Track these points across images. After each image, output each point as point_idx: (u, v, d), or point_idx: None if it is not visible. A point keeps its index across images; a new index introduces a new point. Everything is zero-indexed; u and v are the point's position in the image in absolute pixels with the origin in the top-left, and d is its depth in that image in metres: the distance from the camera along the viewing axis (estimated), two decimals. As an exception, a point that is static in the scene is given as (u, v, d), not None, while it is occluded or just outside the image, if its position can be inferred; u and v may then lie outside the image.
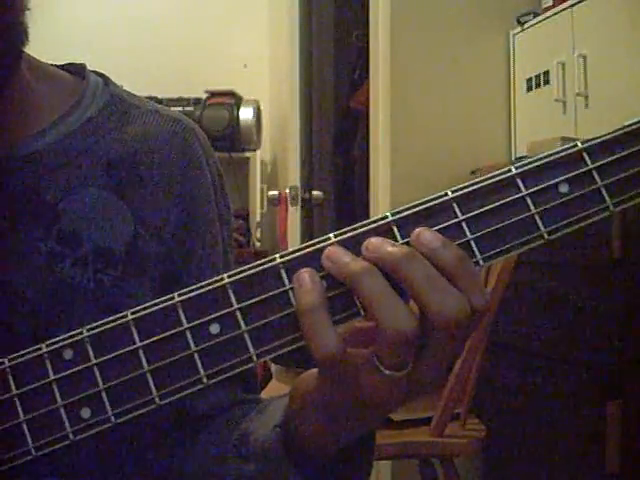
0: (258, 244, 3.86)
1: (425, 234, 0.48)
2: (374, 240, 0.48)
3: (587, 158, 0.49)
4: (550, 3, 2.70)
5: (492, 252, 0.49)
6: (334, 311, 0.49)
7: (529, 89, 2.79)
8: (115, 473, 0.69)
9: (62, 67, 0.76)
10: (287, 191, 3.02)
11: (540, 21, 2.74)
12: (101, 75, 0.76)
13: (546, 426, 2.15)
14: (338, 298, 0.49)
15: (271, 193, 3.21)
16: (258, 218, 3.87)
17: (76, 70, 0.76)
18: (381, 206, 2.78)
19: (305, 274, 0.48)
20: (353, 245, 0.49)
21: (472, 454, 2.16)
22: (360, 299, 0.48)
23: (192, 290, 0.50)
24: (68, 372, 0.50)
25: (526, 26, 2.80)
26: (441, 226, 0.49)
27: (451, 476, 1.91)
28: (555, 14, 2.64)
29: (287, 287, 0.49)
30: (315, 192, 3.08)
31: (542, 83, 2.71)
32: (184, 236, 0.72)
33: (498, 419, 2.27)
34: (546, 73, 2.67)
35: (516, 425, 2.29)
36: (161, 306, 0.50)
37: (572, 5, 2.55)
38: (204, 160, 0.76)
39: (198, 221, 0.74)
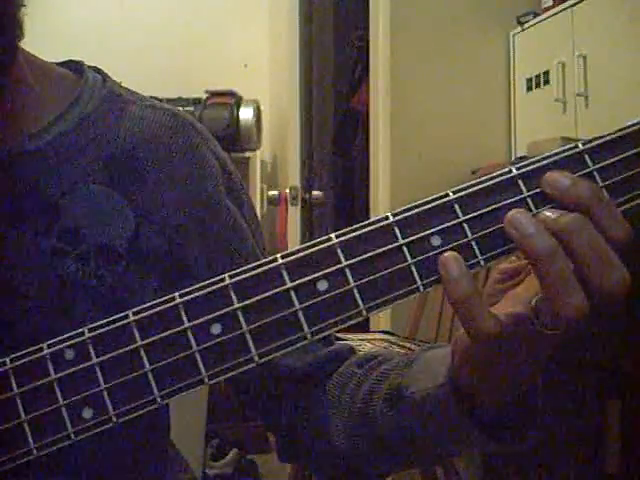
0: (258, 244, 3.85)
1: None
2: (548, 212, 0.48)
3: (588, 159, 0.49)
4: (550, 3, 2.70)
5: (494, 252, 0.49)
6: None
7: (529, 89, 2.79)
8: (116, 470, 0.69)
9: (61, 64, 0.76)
10: (287, 191, 3.02)
11: (540, 21, 2.74)
12: (99, 71, 0.77)
13: (546, 426, 2.15)
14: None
15: (271, 193, 3.20)
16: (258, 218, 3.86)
17: (75, 67, 0.76)
18: (381, 206, 2.78)
19: (452, 262, 0.48)
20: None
21: (472, 454, 2.16)
22: (541, 278, 0.48)
23: (193, 290, 0.50)
24: (70, 372, 0.50)
25: (526, 26, 2.81)
26: (442, 226, 0.49)
27: (451, 476, 1.91)
28: (555, 14, 2.65)
29: (289, 286, 0.49)
30: (315, 192, 3.07)
31: (542, 83, 2.71)
32: (192, 227, 0.72)
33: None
34: (546, 73, 2.67)
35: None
36: (163, 307, 0.50)
37: (572, 5, 2.55)
38: (205, 149, 0.76)
39: (207, 209, 0.73)
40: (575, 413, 2.05)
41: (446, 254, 0.49)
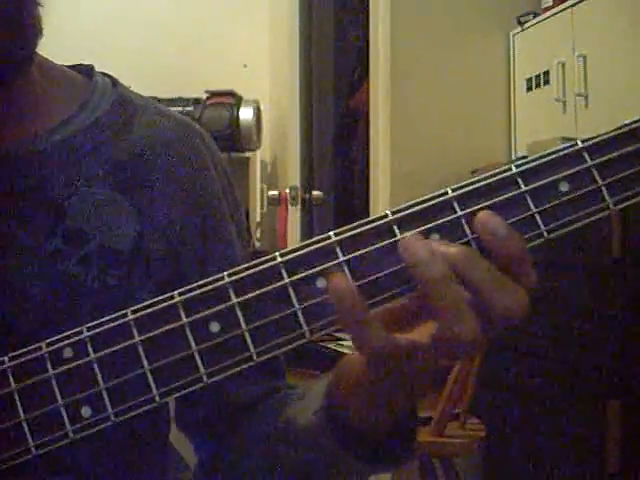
0: (258, 244, 3.86)
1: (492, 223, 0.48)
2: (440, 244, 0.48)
3: (587, 157, 0.49)
4: (550, 3, 2.70)
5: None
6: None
7: (529, 89, 2.79)
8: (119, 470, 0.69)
9: (71, 67, 0.77)
10: (287, 191, 3.02)
11: (540, 21, 2.74)
12: (109, 76, 0.77)
13: (546, 426, 2.15)
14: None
15: (271, 193, 3.21)
16: (258, 218, 3.86)
17: (84, 71, 0.76)
18: (381, 206, 2.78)
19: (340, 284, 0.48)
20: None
21: (472, 454, 2.16)
22: (433, 304, 0.47)
23: (192, 289, 0.50)
24: (68, 371, 0.50)
25: (526, 26, 2.81)
26: (440, 221, 0.49)
27: (451, 476, 1.91)
28: (555, 14, 2.65)
29: (286, 282, 0.49)
30: (315, 192, 3.08)
31: (542, 83, 2.71)
32: (193, 236, 0.73)
33: (498, 419, 2.27)
34: (546, 73, 2.67)
35: (516, 425, 2.29)
36: (161, 305, 0.50)
37: (572, 5, 2.55)
38: (210, 161, 0.77)
39: (208, 221, 0.74)
40: (575, 413, 2.05)
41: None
